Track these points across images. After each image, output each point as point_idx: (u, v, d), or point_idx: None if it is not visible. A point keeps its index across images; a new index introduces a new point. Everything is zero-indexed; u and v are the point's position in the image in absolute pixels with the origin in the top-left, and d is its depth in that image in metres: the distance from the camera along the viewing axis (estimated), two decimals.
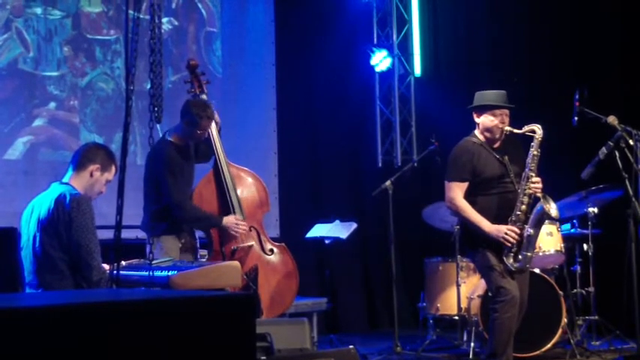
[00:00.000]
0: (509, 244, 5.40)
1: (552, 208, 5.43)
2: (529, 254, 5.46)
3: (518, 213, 5.46)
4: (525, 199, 5.47)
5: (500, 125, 5.56)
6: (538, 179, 5.49)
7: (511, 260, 5.42)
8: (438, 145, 7.29)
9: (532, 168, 5.48)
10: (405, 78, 9.63)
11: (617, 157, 5.66)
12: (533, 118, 5.64)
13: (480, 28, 9.29)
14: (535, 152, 5.49)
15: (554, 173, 7.37)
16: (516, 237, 5.40)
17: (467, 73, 9.26)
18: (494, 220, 5.46)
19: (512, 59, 8.87)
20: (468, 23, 9.44)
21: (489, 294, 5.67)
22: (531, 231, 5.43)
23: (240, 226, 5.73)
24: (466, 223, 5.60)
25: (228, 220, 5.71)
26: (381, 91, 9.57)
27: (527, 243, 5.43)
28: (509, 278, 5.43)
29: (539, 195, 5.47)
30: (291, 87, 8.82)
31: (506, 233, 5.39)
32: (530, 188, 5.46)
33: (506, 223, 5.45)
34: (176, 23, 8.14)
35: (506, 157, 5.57)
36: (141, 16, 3.65)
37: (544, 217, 5.47)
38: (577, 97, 5.96)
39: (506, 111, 5.60)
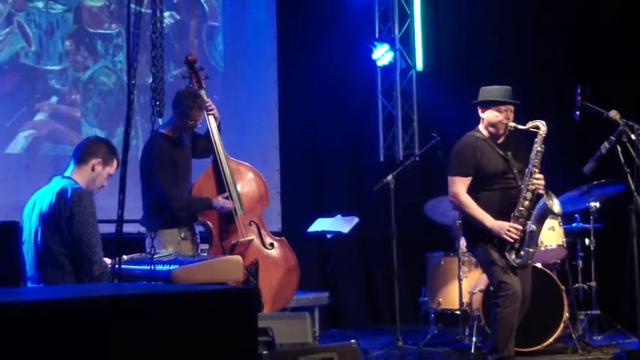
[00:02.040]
0: (512, 241, 5.39)
1: (555, 205, 5.43)
2: (531, 250, 5.45)
3: (521, 209, 5.45)
4: (528, 195, 5.46)
5: (505, 121, 5.55)
6: (541, 176, 5.49)
7: (513, 256, 5.42)
8: (439, 139, 7.28)
9: (535, 164, 5.47)
10: (406, 72, 9.62)
11: (619, 152, 5.65)
12: (535, 114, 5.63)
13: (482, 22, 9.27)
14: (539, 148, 5.48)
15: (556, 168, 7.36)
16: (519, 233, 5.40)
17: (469, 68, 9.25)
18: (497, 215, 5.46)
19: (514, 54, 8.86)
20: (470, 17, 9.42)
21: (491, 288, 5.66)
22: (534, 227, 5.43)
23: (227, 202, 5.73)
24: (468, 219, 5.59)
25: (218, 202, 5.72)
26: (382, 85, 9.56)
27: (529, 239, 5.42)
28: (511, 273, 5.43)
29: (541, 192, 5.46)
30: (292, 82, 8.81)
31: (508, 230, 5.39)
32: (533, 184, 5.46)
33: (509, 219, 5.44)
34: (178, 17, 8.13)
35: (509, 153, 5.56)
36: (142, 10, 3.64)
37: (547, 213, 5.46)
38: (579, 92, 5.96)
39: (511, 107, 5.59)
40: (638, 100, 7.40)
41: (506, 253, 5.42)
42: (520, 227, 5.41)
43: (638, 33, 7.90)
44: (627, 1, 8.04)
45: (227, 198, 5.76)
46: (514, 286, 5.39)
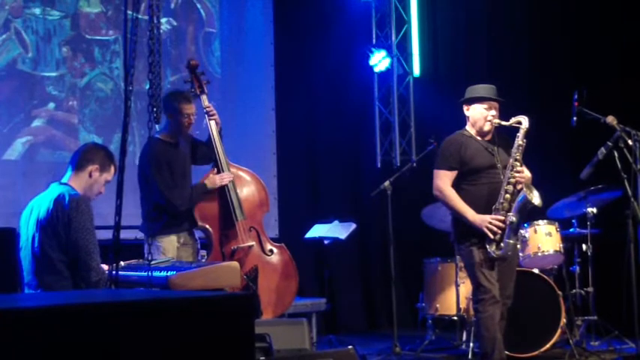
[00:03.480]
0: (492, 236, 5.40)
1: (535, 197, 5.44)
2: (511, 241, 5.45)
3: (502, 201, 5.47)
4: (509, 188, 5.48)
5: (490, 117, 5.60)
6: (522, 169, 5.50)
7: (493, 247, 5.43)
8: (437, 145, 7.27)
9: (517, 157, 5.50)
10: (403, 78, 9.63)
11: (616, 158, 5.66)
12: (532, 119, 5.64)
13: (478, 28, 9.28)
14: (520, 142, 5.52)
15: (553, 173, 7.37)
16: (501, 225, 5.40)
17: (466, 74, 9.25)
18: (483, 210, 5.47)
19: (511, 60, 8.87)
20: (467, 23, 9.43)
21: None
22: (514, 218, 5.43)
23: (224, 176, 5.75)
24: (456, 217, 5.60)
25: (212, 180, 5.72)
26: (380, 91, 9.57)
27: (509, 230, 5.43)
28: (491, 277, 5.42)
29: (519, 187, 5.46)
30: (290, 87, 8.81)
31: (490, 223, 5.39)
32: (513, 177, 5.48)
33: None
34: (175, 24, 8.13)
35: (495, 148, 5.60)
36: (140, 17, 3.65)
37: (527, 205, 5.47)
38: (576, 97, 5.97)
39: (496, 104, 5.65)
40: (636, 101, 7.41)
41: (487, 245, 5.42)
42: (502, 218, 5.42)
43: (637, 35, 7.92)
44: (625, 2, 8.05)
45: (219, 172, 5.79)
46: (492, 291, 5.41)
